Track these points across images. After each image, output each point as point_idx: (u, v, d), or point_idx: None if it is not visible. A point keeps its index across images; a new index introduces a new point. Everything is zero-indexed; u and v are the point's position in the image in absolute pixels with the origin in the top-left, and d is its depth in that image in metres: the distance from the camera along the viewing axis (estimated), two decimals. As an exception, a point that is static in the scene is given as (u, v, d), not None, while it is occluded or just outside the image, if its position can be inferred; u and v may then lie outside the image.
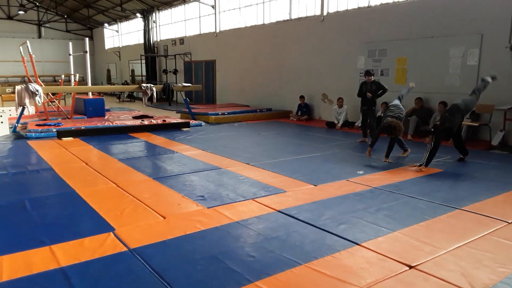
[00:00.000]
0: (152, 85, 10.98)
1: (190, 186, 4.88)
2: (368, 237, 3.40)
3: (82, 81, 16.48)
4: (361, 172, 5.66)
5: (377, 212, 4.03)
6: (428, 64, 9.04)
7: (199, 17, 17.32)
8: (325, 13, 11.55)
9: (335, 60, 11.34)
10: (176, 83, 16.92)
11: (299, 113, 12.05)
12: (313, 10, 12.01)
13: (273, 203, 4.26)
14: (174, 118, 11.25)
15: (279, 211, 4.02)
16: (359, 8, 10.65)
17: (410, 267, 2.90)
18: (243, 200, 4.35)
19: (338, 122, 10.36)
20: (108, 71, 26.25)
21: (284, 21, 13.08)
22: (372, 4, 10.32)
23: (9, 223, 3.71)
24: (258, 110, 12.72)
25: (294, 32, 12.64)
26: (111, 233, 3.44)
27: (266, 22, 13.85)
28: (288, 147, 7.65)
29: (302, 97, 12.00)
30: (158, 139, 8.43)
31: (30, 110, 9.45)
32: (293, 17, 12.77)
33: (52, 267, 2.86)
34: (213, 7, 16.03)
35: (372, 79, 8.08)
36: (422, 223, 3.73)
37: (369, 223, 3.73)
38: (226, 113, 11.76)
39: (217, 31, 16.15)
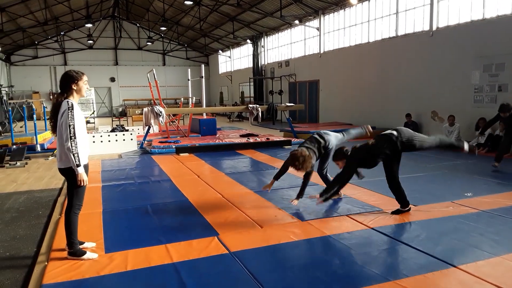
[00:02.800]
0: (257, 105, 11.67)
1: (287, 200, 5.14)
2: (467, 260, 3.27)
3: (199, 103, 18.11)
4: (469, 194, 5.32)
5: (481, 236, 3.82)
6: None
7: (304, 39, 17.87)
8: (434, 28, 11.07)
9: (446, 76, 10.74)
10: (281, 103, 17.60)
11: (406, 132, 11.56)
12: (421, 25, 11.60)
13: (367, 220, 4.30)
14: (277, 136, 11.75)
15: (372, 229, 4.05)
16: (472, 21, 10.00)
17: (510, 293, 2.74)
18: (337, 216, 4.47)
19: (449, 142, 9.72)
20: (221, 93, 28.31)
21: (390, 38, 12.83)
22: (487, 16, 9.61)
23: (135, 224, 4.40)
24: (361, 129, 12.52)
25: (401, 48, 12.31)
26: (216, 237, 3.88)
27: (371, 40, 13.73)
28: (390, 167, 7.48)
29: (408, 115, 11.55)
30: (261, 156, 8.94)
31: (154, 129, 10.83)
32: (399, 34, 12.46)
33: (166, 262, 3.36)
34: (318, 29, 16.42)
35: (508, 115, 6.97)
36: (532, 250, 3.43)
37: (471, 246, 3.56)
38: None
39: (321, 51, 16.47)
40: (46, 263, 3.39)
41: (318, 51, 16.68)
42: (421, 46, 11.52)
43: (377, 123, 13.10)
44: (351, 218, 4.40)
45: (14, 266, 3.50)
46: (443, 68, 10.83)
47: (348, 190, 5.60)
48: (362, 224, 4.19)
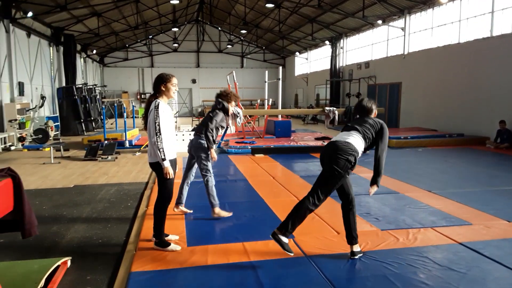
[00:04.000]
0: (335, 108, 11.46)
1: (365, 207, 4.99)
2: None
3: (274, 105, 18.27)
4: None
5: None
6: None
7: (387, 40, 17.17)
8: (537, 26, 10.00)
9: (550, 79, 9.65)
10: (359, 106, 17.07)
11: (498, 140, 10.61)
12: (522, 24, 10.55)
13: (455, 234, 4.00)
14: (354, 140, 11.41)
15: (460, 244, 3.77)
16: None
17: None
18: (420, 227, 4.22)
19: (551, 153, 8.72)
20: (296, 95, 28.29)
21: (483, 38, 11.84)
22: None
23: (214, 220, 4.56)
24: (447, 135, 11.75)
25: (496, 49, 11.30)
26: (292, 239, 3.87)
27: (462, 41, 12.78)
28: (480, 177, 6.90)
29: (502, 122, 10.56)
30: (338, 160, 8.73)
31: (231, 129, 11.13)
32: (494, 34, 11.45)
33: (244, 260, 3.44)
34: (403, 29, 15.68)
35: None
36: None
37: None
38: (409, 137, 11.29)
39: (405, 53, 15.70)
40: (134, 252, 3.65)
41: (402, 52, 15.92)
42: (521, 46, 10.47)
43: (466, 130, 12.19)
44: (436, 230, 4.13)
45: (106, 253, 3.80)
46: (546, 71, 9.74)
47: (433, 201, 5.27)
48: (449, 238, 3.91)
